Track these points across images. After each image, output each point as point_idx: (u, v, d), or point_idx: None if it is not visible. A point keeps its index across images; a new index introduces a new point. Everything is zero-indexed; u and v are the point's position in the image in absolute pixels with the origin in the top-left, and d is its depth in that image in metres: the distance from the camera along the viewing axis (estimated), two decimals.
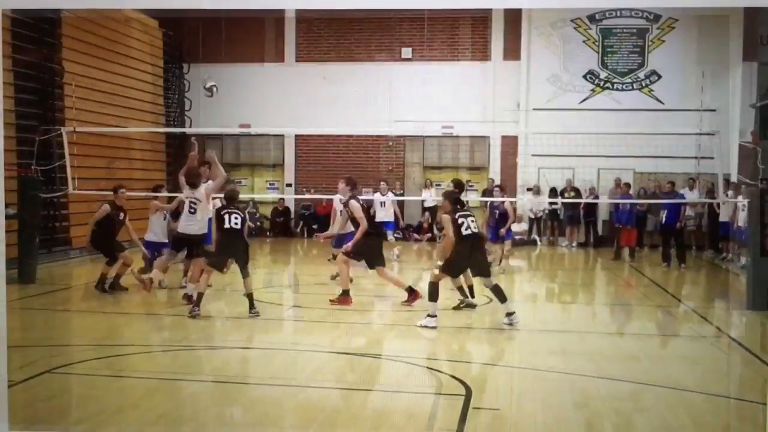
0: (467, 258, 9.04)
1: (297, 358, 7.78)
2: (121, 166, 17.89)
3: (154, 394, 6.26)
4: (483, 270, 9.17)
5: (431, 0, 6.80)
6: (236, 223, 9.58)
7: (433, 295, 8.91)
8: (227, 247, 9.60)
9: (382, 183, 17.47)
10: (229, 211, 9.67)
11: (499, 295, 9.03)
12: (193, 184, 10.45)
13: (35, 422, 5.48)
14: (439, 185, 21.43)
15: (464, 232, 8.93)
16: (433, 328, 8.76)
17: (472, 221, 9.11)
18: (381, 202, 16.41)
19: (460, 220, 8.98)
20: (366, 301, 11.15)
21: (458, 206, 9.19)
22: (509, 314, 9.03)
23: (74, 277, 14.02)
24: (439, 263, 9.34)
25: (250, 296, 9.45)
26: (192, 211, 10.34)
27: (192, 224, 10.36)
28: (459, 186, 10.44)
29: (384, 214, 16.53)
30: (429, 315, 8.87)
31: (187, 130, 21.61)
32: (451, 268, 9.15)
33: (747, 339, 9.14)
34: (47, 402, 5.94)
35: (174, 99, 21.61)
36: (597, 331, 9.62)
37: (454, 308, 9.96)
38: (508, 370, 7.35)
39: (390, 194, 17.13)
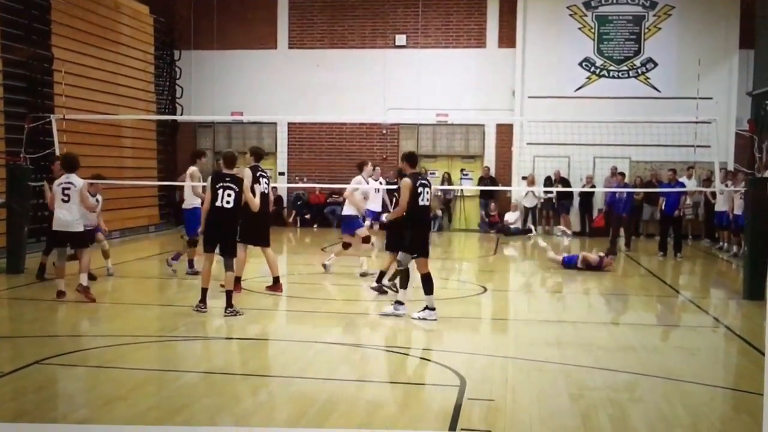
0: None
1: (289, 349, 7.69)
2: (111, 154, 17.72)
3: (144, 386, 6.17)
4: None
5: None
6: (228, 202, 8.93)
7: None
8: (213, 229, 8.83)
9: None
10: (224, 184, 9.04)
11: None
12: (70, 167, 9.62)
13: (24, 414, 5.39)
14: (433, 173, 21.37)
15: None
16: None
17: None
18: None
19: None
20: (357, 291, 11.07)
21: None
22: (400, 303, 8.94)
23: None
24: None
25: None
26: (65, 198, 9.43)
27: (64, 216, 9.42)
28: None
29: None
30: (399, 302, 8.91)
31: (178, 117, 21.45)
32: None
33: (743, 329, 9.10)
34: (36, 394, 5.84)
35: (165, 86, 21.43)
36: (593, 321, 9.56)
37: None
38: (504, 361, 7.28)
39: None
